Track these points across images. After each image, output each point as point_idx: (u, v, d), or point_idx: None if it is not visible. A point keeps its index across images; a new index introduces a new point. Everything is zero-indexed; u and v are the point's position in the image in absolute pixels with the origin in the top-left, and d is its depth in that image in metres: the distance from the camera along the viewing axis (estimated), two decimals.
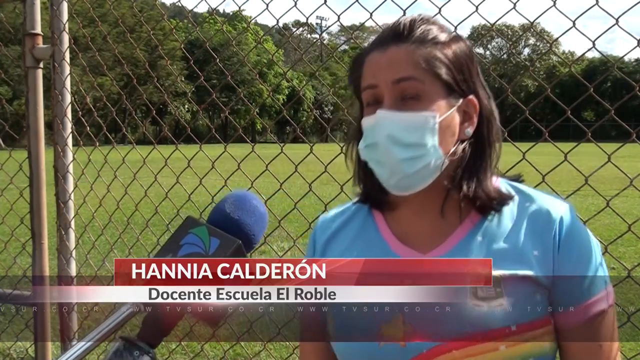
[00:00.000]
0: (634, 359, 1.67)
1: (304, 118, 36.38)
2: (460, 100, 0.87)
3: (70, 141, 2.45)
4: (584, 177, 1.49)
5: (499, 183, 0.94)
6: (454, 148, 0.87)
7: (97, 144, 2.50)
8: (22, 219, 2.59)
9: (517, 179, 0.97)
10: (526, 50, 58.82)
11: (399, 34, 0.86)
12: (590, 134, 1.52)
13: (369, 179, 0.94)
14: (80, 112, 2.69)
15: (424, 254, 0.89)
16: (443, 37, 0.87)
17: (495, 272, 0.83)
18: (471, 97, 0.88)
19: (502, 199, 0.89)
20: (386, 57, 0.85)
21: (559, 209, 0.89)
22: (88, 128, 2.54)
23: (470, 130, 0.89)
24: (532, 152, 1.54)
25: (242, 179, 2.09)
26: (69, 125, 2.43)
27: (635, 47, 1.39)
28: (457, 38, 0.89)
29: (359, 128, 0.93)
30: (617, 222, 6.71)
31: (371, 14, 1.75)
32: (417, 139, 0.83)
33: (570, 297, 0.85)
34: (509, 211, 0.90)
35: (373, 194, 0.95)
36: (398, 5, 1.77)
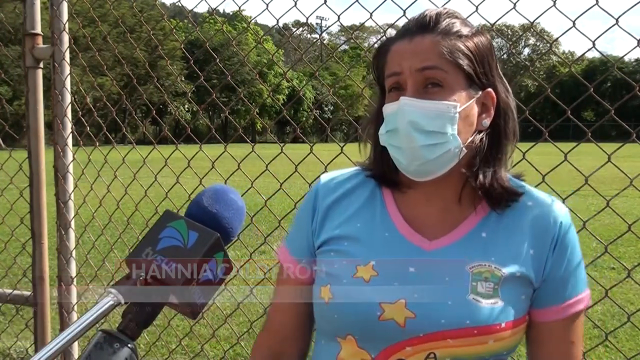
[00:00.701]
0: (634, 359, 1.66)
1: (304, 118, 36.38)
2: (480, 92, 0.90)
3: (70, 141, 2.45)
4: (584, 177, 1.49)
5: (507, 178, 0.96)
6: (472, 137, 0.89)
7: (97, 144, 2.50)
8: (22, 219, 2.59)
9: (519, 177, 0.99)
10: (526, 50, 58.87)
11: (425, 25, 0.88)
12: (590, 134, 1.52)
13: (385, 162, 0.96)
14: (80, 112, 2.68)
15: (429, 241, 0.91)
16: (466, 30, 0.89)
17: (497, 271, 0.87)
18: (490, 90, 0.91)
19: (514, 193, 0.92)
20: (412, 46, 0.87)
21: (560, 212, 0.93)
22: (88, 128, 2.54)
23: (487, 122, 0.91)
24: (532, 152, 1.54)
25: (242, 179, 2.09)
26: (69, 125, 2.43)
27: (635, 47, 1.39)
28: (479, 32, 0.92)
29: (378, 113, 0.95)
30: (617, 222, 6.71)
31: (371, 14, 1.75)
32: (438, 127, 0.85)
33: (555, 296, 0.90)
34: (512, 209, 0.92)
35: (387, 175, 0.97)
36: (398, 5, 1.77)
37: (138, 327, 0.65)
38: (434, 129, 0.85)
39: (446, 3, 1.65)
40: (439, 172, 0.88)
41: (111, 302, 0.64)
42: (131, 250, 0.71)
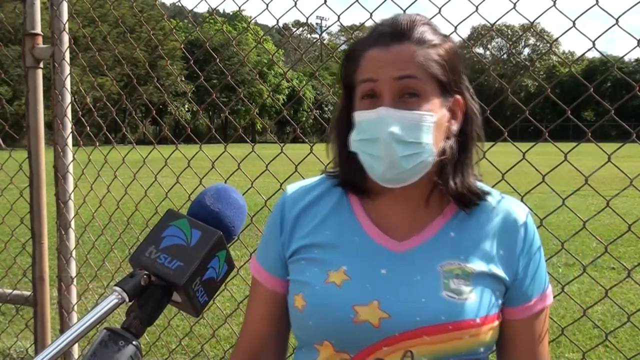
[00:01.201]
0: (634, 359, 1.66)
1: (304, 118, 36.37)
2: (450, 100, 0.91)
3: (70, 141, 2.45)
4: (584, 177, 1.49)
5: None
6: (443, 145, 0.91)
7: (97, 144, 2.50)
8: (22, 219, 2.59)
9: (477, 178, 1.01)
10: (526, 50, 58.88)
11: (400, 33, 0.88)
12: (590, 134, 1.52)
13: (352, 167, 0.96)
14: (80, 112, 2.69)
15: (399, 242, 0.92)
16: (437, 39, 0.90)
17: (467, 268, 0.89)
18: (458, 97, 0.93)
19: (482, 194, 0.94)
20: (389, 54, 0.87)
21: (523, 213, 0.96)
22: (88, 128, 2.54)
23: (455, 128, 0.93)
24: (532, 152, 1.54)
25: (242, 179, 2.09)
26: (69, 125, 2.43)
27: (635, 47, 1.39)
28: (448, 39, 0.92)
29: (344, 117, 0.95)
30: (617, 222, 6.71)
31: (371, 14, 1.74)
32: (416, 137, 0.86)
33: (524, 295, 0.93)
34: (479, 210, 0.95)
35: (354, 181, 0.97)
36: (398, 5, 1.77)
37: (142, 325, 0.66)
38: (412, 139, 0.86)
39: (446, 3, 1.65)
40: (412, 180, 0.90)
41: (115, 301, 0.64)
42: (131, 249, 0.72)
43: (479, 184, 0.97)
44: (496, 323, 0.90)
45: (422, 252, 0.91)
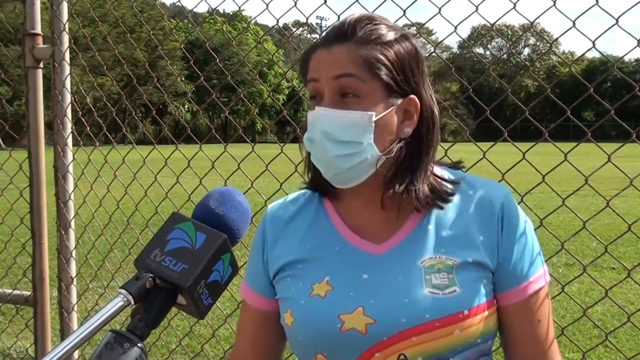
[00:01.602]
0: (634, 359, 1.66)
1: (304, 118, 36.32)
2: (400, 100, 0.89)
3: (70, 141, 2.45)
4: (584, 177, 1.49)
5: (443, 172, 0.96)
6: (391, 146, 0.89)
7: (97, 144, 2.50)
8: (22, 219, 2.60)
9: (458, 166, 1.00)
10: (526, 50, 58.88)
11: (343, 33, 0.87)
12: (590, 134, 1.52)
13: (314, 169, 0.96)
14: (80, 112, 2.69)
15: (377, 245, 0.91)
16: (388, 36, 0.88)
17: (448, 260, 0.87)
18: (413, 96, 0.90)
19: (443, 193, 0.92)
20: (329, 54, 0.87)
21: (500, 194, 0.93)
22: (88, 128, 2.54)
23: (409, 130, 0.90)
24: (532, 152, 1.54)
25: (242, 179, 2.09)
26: (69, 125, 2.43)
27: (635, 47, 1.39)
28: (403, 37, 0.90)
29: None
30: (617, 222, 6.71)
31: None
32: (352, 137, 0.85)
33: (513, 278, 0.90)
34: (455, 198, 0.93)
35: (319, 182, 0.97)
36: (398, 5, 1.78)
37: (147, 327, 0.66)
38: (347, 139, 0.85)
39: (446, 3, 1.65)
40: (357, 181, 0.88)
41: (121, 303, 0.65)
42: (131, 249, 0.72)
43: (455, 173, 0.96)
44: (491, 311, 0.87)
45: (401, 252, 0.90)
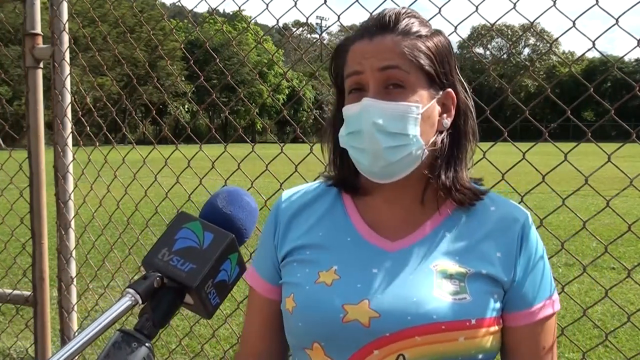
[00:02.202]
0: (634, 359, 1.66)
1: (304, 118, 36.36)
2: (440, 93, 0.90)
3: (70, 141, 2.45)
4: (584, 177, 1.49)
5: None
6: (434, 138, 0.90)
7: (97, 144, 2.50)
8: (22, 219, 2.59)
9: (478, 181, 0.99)
10: (526, 50, 58.87)
11: (385, 25, 0.88)
12: (590, 134, 1.52)
13: (345, 165, 0.96)
14: (80, 112, 2.69)
15: (391, 242, 0.91)
16: (425, 30, 0.89)
17: (461, 268, 0.87)
18: (450, 90, 0.91)
19: (476, 193, 0.92)
20: (373, 46, 0.87)
21: (522, 215, 0.93)
22: (88, 128, 2.54)
23: (448, 122, 0.91)
24: (532, 152, 1.54)
25: (242, 179, 2.09)
26: (69, 125, 2.43)
27: (635, 47, 1.39)
28: (437, 32, 0.91)
29: (338, 115, 0.95)
30: (617, 222, 6.71)
31: (371, 14, 1.74)
32: (401, 128, 0.85)
33: (524, 300, 0.89)
34: (476, 211, 0.93)
35: (348, 179, 0.96)
36: (398, 6, 1.77)
37: (155, 327, 0.66)
38: (397, 130, 0.85)
39: (446, 3, 1.65)
40: (402, 174, 0.88)
41: (129, 302, 0.64)
42: (131, 249, 0.72)
43: (476, 185, 0.96)
44: (495, 328, 0.86)
45: (414, 252, 0.89)
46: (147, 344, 0.63)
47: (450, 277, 0.86)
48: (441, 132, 0.91)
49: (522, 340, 0.89)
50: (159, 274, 0.68)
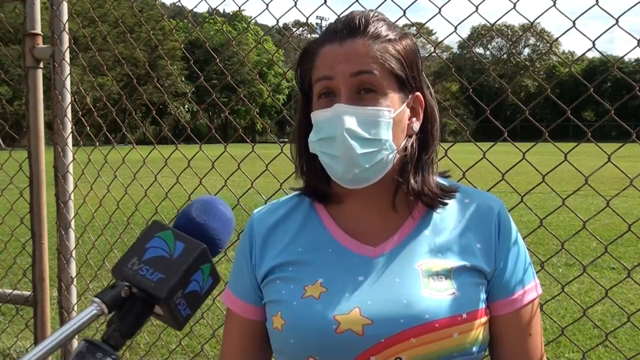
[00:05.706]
0: (634, 359, 1.66)
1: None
2: (410, 96, 0.90)
3: (70, 141, 2.45)
4: (584, 177, 1.49)
5: (437, 178, 0.96)
6: (404, 143, 0.89)
7: (97, 144, 2.50)
8: (22, 219, 2.59)
9: (445, 174, 0.99)
10: (526, 50, 58.86)
11: (355, 29, 0.87)
12: (590, 134, 1.52)
13: (313, 172, 0.95)
14: (80, 112, 2.69)
15: (373, 248, 0.90)
16: (393, 34, 0.88)
17: (446, 264, 0.87)
18: (418, 93, 0.91)
19: (446, 193, 0.93)
20: (343, 50, 0.85)
21: (495, 203, 0.94)
22: (88, 128, 2.54)
23: (417, 126, 0.91)
24: (532, 152, 1.54)
25: (242, 179, 2.09)
26: (69, 125, 2.43)
27: (635, 47, 1.39)
28: (405, 35, 0.91)
29: (304, 120, 0.93)
30: (617, 222, 6.70)
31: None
32: (375, 134, 0.84)
33: (507, 287, 0.90)
34: (451, 206, 0.93)
35: (318, 187, 0.95)
36: (398, 5, 1.77)
37: (122, 337, 0.64)
38: (371, 136, 0.84)
39: (446, 3, 1.65)
40: (374, 179, 0.87)
41: (94, 312, 0.63)
42: (118, 260, 0.71)
43: (445, 181, 0.96)
44: (485, 319, 0.87)
45: (397, 254, 0.88)
46: (112, 356, 0.61)
47: (436, 274, 0.86)
48: (410, 136, 0.91)
49: (508, 327, 0.90)
50: (127, 284, 0.66)
